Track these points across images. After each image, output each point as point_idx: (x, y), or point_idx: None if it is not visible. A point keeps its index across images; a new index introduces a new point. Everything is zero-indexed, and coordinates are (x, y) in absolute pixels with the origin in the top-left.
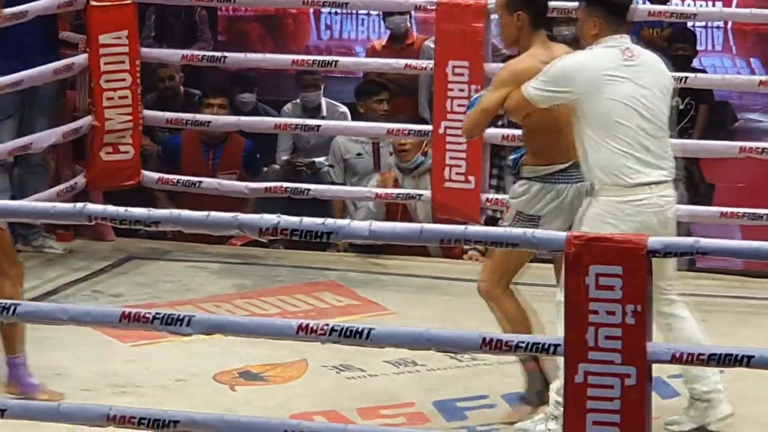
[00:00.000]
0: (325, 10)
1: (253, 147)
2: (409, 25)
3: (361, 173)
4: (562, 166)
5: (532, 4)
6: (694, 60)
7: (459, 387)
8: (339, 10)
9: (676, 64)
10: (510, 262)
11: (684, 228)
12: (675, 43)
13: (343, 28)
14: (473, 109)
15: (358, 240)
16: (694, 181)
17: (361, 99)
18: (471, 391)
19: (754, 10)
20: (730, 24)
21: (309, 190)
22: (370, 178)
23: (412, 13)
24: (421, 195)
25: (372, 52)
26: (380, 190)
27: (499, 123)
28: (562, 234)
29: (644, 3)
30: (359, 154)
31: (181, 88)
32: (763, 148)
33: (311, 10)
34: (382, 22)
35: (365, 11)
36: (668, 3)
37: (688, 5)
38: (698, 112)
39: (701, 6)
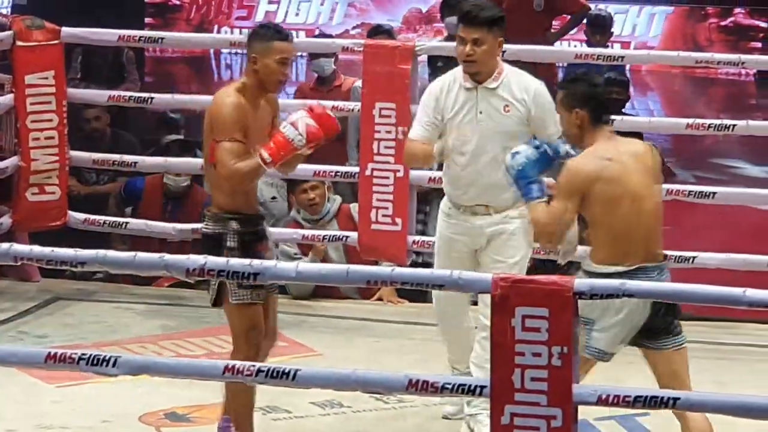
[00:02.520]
0: (225, 50)
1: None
2: (334, 67)
3: (277, 216)
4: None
5: (591, 101)
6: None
7: (385, 429)
8: (240, 51)
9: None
10: None
11: None
12: (609, 86)
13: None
14: (550, 220)
15: (285, 281)
16: None
17: None
18: None
19: (682, 53)
20: (628, 66)
21: None
22: (285, 222)
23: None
24: (347, 237)
25: (300, 94)
26: (308, 232)
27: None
28: (488, 275)
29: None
30: (273, 198)
31: (108, 129)
32: (690, 191)
33: (211, 50)
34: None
35: None
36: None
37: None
38: None
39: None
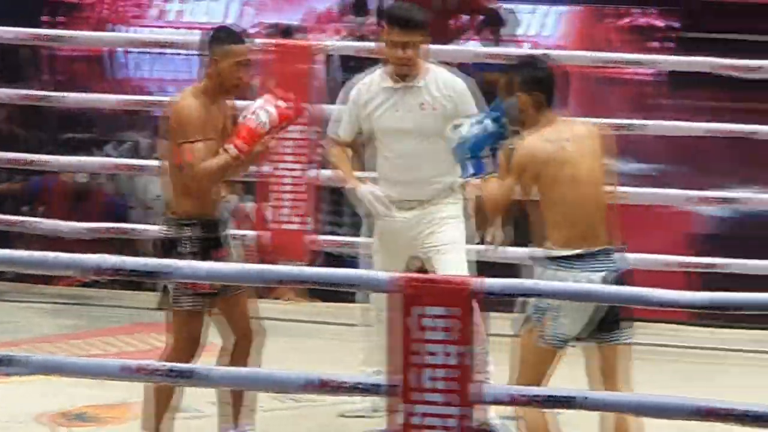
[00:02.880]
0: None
1: (116, 199)
2: None
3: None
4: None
5: (547, 84)
6: None
7: (283, 428)
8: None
9: None
10: (530, 379)
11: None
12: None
13: (148, 68)
14: (501, 195)
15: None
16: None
17: None
18: None
19: (594, 53)
20: None
21: (134, 229)
22: None
23: None
24: (244, 236)
25: None
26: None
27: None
28: (389, 275)
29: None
30: (159, 196)
31: (15, 129)
32: None
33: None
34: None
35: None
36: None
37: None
38: None
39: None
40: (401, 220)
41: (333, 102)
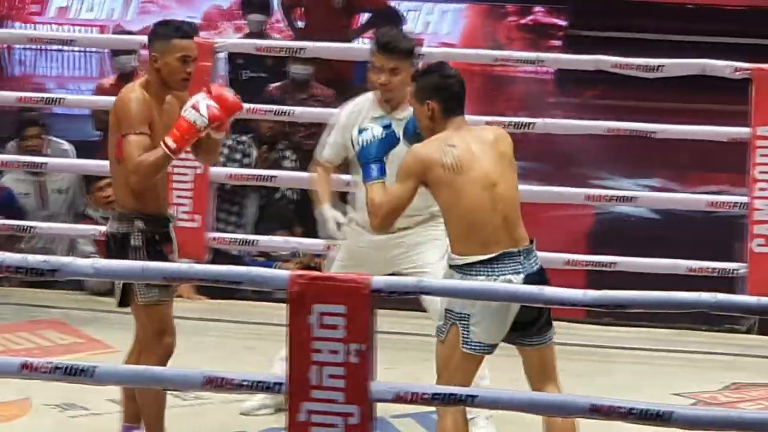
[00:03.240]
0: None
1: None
2: (136, 63)
3: (30, 213)
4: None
5: (443, 92)
6: None
7: (183, 426)
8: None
9: None
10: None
11: None
12: None
13: (37, 64)
14: (386, 201)
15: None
16: None
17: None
18: (196, 431)
19: (481, 51)
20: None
21: (32, 228)
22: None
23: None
24: None
25: (100, 91)
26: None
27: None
28: (285, 272)
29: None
30: (27, 194)
31: None
32: None
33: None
34: (79, 58)
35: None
36: None
37: None
38: None
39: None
40: (368, 242)
41: None
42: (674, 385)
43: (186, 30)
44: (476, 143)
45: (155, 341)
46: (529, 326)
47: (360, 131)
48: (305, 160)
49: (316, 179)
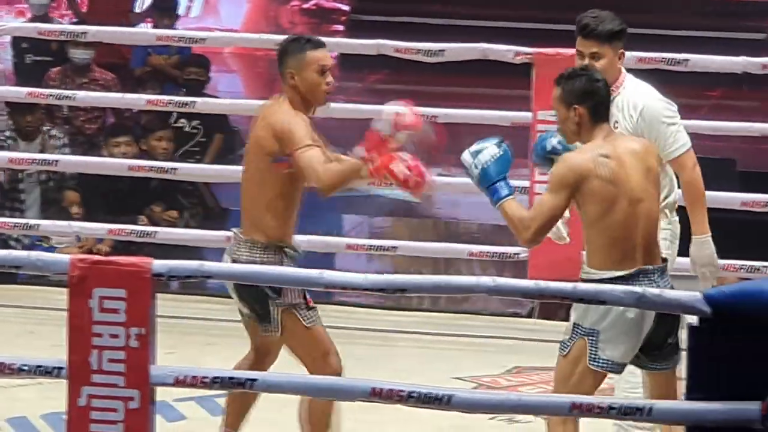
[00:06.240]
0: None
1: None
2: None
3: None
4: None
5: (592, 97)
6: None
7: None
8: None
9: (188, 89)
10: None
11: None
12: (188, 67)
13: None
14: (538, 213)
15: None
16: (208, 205)
17: None
18: None
19: (263, 36)
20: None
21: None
22: None
23: None
24: None
25: None
26: None
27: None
28: (66, 257)
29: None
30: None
31: None
32: None
33: None
34: None
35: None
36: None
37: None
38: (210, 137)
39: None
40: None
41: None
42: (456, 369)
43: (317, 40)
44: (628, 155)
45: (326, 363)
46: (659, 348)
47: (473, 153)
48: (88, 144)
49: None
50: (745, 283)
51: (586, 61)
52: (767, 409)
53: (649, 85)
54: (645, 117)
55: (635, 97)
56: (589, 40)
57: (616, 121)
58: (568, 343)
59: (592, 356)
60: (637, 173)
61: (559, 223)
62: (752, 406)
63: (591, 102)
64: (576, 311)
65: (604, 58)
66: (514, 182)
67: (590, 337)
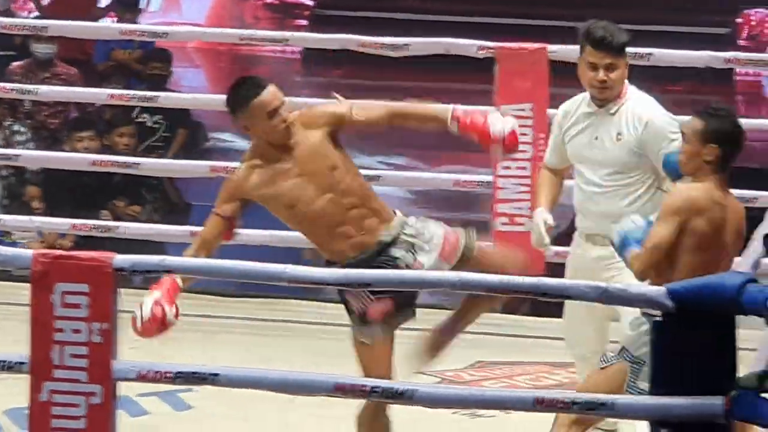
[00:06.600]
0: None
1: None
2: None
3: None
4: None
5: (731, 143)
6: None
7: None
8: None
9: (151, 83)
10: None
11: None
12: (150, 62)
13: None
14: (645, 249)
15: None
16: (171, 200)
17: None
18: None
19: (226, 30)
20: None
21: None
22: None
23: None
24: None
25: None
26: None
27: None
28: (28, 251)
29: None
30: None
31: None
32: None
33: None
34: None
35: None
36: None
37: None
38: (173, 132)
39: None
40: (588, 258)
41: None
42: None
43: (257, 84)
44: (731, 213)
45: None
46: None
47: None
48: (51, 139)
49: (539, 182)
50: (708, 277)
51: (600, 73)
52: (730, 403)
53: (651, 98)
54: (650, 131)
55: (640, 110)
56: (603, 51)
57: (620, 133)
58: (611, 360)
59: (631, 383)
60: (731, 236)
61: (542, 229)
62: (716, 401)
63: (729, 147)
64: (627, 336)
65: (618, 69)
66: (477, 176)
67: (635, 365)
